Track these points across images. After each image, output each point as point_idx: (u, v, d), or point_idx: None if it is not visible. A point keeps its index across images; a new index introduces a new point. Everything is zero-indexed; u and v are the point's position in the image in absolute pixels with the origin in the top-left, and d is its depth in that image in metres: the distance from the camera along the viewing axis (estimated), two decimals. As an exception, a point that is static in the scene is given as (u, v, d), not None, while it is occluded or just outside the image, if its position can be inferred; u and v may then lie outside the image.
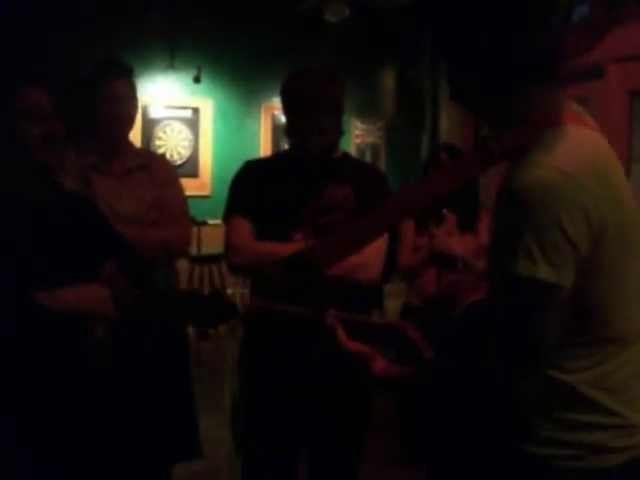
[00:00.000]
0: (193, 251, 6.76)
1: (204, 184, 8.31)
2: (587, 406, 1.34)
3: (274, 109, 8.32)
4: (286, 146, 2.73)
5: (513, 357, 1.27)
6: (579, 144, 1.32)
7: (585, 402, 1.34)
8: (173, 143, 8.40)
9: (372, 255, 2.40)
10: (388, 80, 9.16)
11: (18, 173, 2.03)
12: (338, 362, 1.62)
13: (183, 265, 6.31)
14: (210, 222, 6.71)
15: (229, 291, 6.96)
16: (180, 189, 2.92)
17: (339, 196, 2.51)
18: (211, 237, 6.74)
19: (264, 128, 8.66)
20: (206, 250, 6.90)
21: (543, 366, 1.29)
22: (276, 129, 8.40)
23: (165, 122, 8.37)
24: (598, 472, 1.34)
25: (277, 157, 2.92)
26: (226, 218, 2.57)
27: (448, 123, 7.93)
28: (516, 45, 1.35)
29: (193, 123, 8.50)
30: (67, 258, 2.03)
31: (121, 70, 2.79)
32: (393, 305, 7.16)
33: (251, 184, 2.56)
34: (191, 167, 8.42)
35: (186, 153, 8.46)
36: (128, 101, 2.79)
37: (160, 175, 2.85)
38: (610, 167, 1.36)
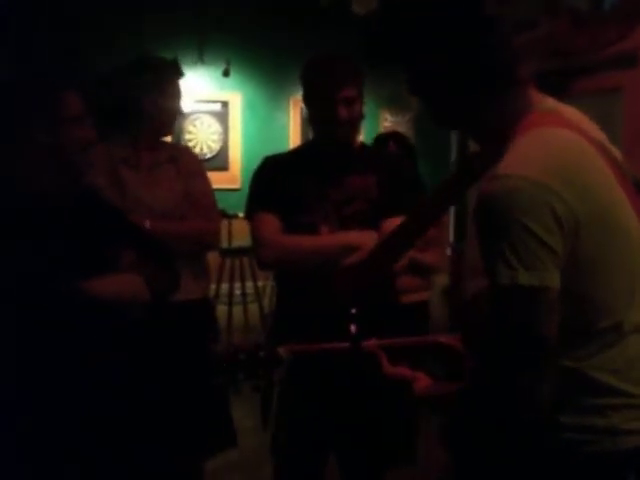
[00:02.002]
0: (224, 244, 6.79)
1: (234, 177, 8.35)
2: (597, 389, 1.37)
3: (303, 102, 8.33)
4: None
5: (520, 364, 1.29)
6: (543, 146, 1.34)
7: (595, 386, 1.37)
8: (203, 137, 8.44)
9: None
10: (417, 71, 9.12)
11: (36, 169, 2.04)
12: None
13: (214, 258, 6.35)
14: (240, 215, 6.71)
15: (260, 282, 6.99)
16: (207, 181, 2.96)
17: (361, 186, 2.52)
18: (242, 230, 6.72)
19: (293, 121, 8.68)
20: (237, 243, 6.93)
21: (553, 366, 1.30)
22: (304, 122, 8.40)
23: (195, 116, 8.41)
24: (618, 454, 1.37)
25: (296, 151, 2.91)
26: (251, 214, 2.57)
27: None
28: (471, 56, 1.39)
29: (222, 117, 8.54)
30: (85, 252, 2.04)
31: (181, 71, 2.93)
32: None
33: (272, 179, 2.57)
34: (221, 160, 8.47)
35: (216, 146, 8.51)
36: (180, 101, 2.95)
37: (188, 167, 2.90)
38: (581, 163, 1.37)
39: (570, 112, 1.48)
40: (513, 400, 1.30)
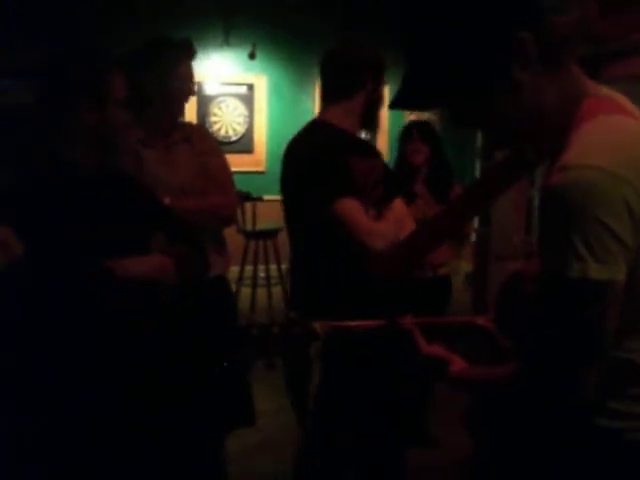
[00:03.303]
0: (248, 226, 6.82)
1: (259, 160, 8.36)
2: None
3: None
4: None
5: (578, 356, 1.28)
6: (613, 136, 1.30)
7: None
8: (228, 119, 8.45)
9: (390, 225, 2.48)
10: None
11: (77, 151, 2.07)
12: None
13: (238, 240, 6.38)
14: (265, 198, 6.74)
15: (284, 265, 7.01)
16: (222, 156, 3.01)
17: (379, 168, 2.58)
18: (266, 213, 6.78)
19: (318, 104, 8.65)
20: (261, 226, 6.94)
21: (606, 357, 1.30)
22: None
23: (220, 98, 8.42)
24: None
25: (322, 133, 2.68)
26: (331, 199, 2.43)
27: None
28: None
29: (248, 99, 8.54)
30: (116, 235, 2.07)
31: (192, 51, 2.90)
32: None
33: (336, 161, 2.50)
34: (246, 143, 8.48)
35: (241, 129, 8.51)
36: (192, 81, 2.93)
37: (202, 145, 2.95)
38: None
39: (622, 98, 1.43)
40: (567, 389, 1.30)
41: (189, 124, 3.43)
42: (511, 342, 1.58)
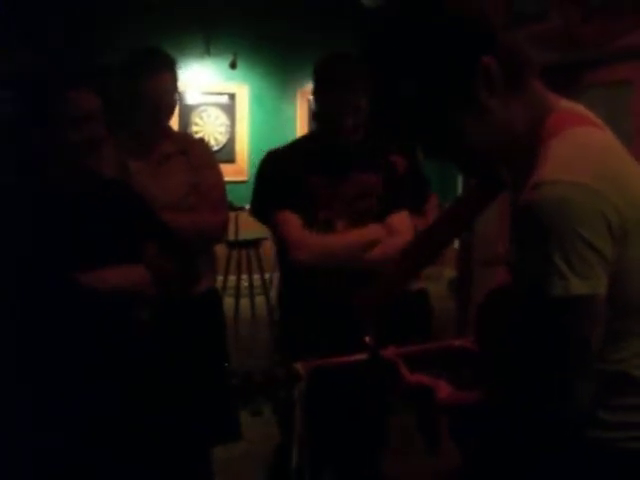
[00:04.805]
0: (231, 236, 6.80)
1: (241, 170, 8.34)
2: (638, 388, 1.35)
3: (310, 94, 8.28)
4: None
5: (564, 371, 1.27)
6: (583, 149, 1.30)
7: (636, 385, 1.34)
8: (210, 129, 8.44)
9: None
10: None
11: (56, 166, 2.05)
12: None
13: (221, 250, 6.36)
14: (247, 207, 6.71)
15: (267, 275, 7.00)
16: (218, 173, 2.92)
17: (370, 182, 2.56)
18: (248, 222, 6.71)
19: (300, 113, 8.67)
20: (244, 235, 6.92)
21: (593, 370, 1.29)
22: (312, 113, 8.39)
23: (202, 108, 8.41)
24: None
25: (299, 144, 2.80)
26: (270, 213, 2.52)
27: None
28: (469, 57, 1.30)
29: (229, 109, 8.53)
30: (107, 244, 2.06)
31: (166, 62, 2.79)
32: (432, 288, 7.17)
33: (286, 175, 2.54)
34: (228, 153, 8.46)
35: (223, 139, 8.50)
36: (170, 93, 2.81)
37: (198, 159, 2.86)
38: (619, 162, 1.33)
39: (583, 109, 1.43)
40: (560, 404, 1.28)
41: (186, 135, 3.37)
42: (492, 359, 1.57)
